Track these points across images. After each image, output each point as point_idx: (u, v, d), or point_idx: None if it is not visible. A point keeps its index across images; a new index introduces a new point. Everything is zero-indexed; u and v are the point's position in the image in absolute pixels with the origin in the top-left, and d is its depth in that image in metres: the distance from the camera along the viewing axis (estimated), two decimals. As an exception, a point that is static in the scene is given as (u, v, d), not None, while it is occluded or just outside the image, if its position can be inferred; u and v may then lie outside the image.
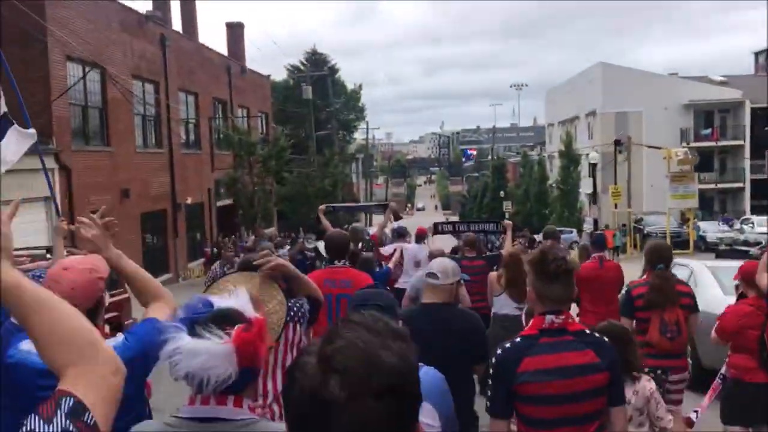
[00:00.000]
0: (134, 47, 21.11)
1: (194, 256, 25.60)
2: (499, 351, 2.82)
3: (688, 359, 5.79)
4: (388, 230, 9.25)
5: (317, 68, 50.86)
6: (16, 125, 4.90)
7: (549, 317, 2.77)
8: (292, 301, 3.30)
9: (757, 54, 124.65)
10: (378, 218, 36.77)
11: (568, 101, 53.99)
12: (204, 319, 1.72)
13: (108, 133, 19.27)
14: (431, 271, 3.83)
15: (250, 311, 1.79)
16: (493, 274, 6.92)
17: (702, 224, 30.60)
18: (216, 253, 23.04)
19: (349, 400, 1.05)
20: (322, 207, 9.86)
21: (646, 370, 4.03)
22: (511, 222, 8.63)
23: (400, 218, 10.15)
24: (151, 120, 22.83)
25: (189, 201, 24.51)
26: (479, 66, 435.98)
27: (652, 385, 3.77)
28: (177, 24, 27.75)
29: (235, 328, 1.70)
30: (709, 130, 45.00)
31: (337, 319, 3.29)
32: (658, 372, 4.54)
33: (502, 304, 6.55)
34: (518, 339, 2.84)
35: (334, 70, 53.37)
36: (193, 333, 1.69)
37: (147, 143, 22.43)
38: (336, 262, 5.19)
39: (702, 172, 46.08)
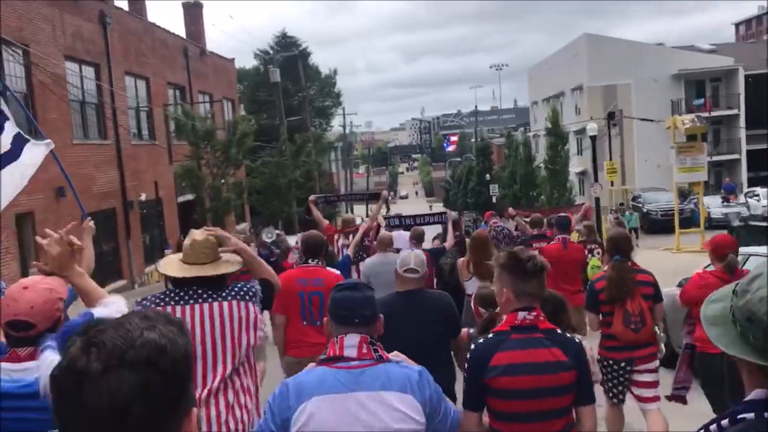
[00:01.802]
0: (66, 24, 18.42)
1: (152, 259, 22.98)
2: (472, 346, 2.98)
3: (661, 345, 5.58)
4: (381, 219, 9.21)
5: (286, 50, 48.14)
6: (32, 140, 4.84)
7: (522, 314, 2.92)
8: (242, 283, 3.38)
9: (737, 24, 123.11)
10: (359, 209, 34.23)
11: (552, 77, 51.72)
12: (75, 333, 1.65)
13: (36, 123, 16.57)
14: (411, 267, 4.20)
15: None
16: (461, 260, 7.40)
17: (705, 199, 28.39)
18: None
19: (102, 371, 1.08)
20: (313, 197, 9.92)
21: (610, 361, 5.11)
22: (454, 213, 9.11)
23: (389, 208, 10.61)
24: (92, 107, 20.15)
25: (143, 197, 21.90)
26: (457, 51, 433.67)
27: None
28: (122, 3, 24.98)
29: None
30: (701, 101, 42.91)
31: (310, 317, 5.13)
32: (621, 364, 5.03)
33: (473, 287, 6.65)
34: (491, 335, 2.98)
35: (305, 54, 50.59)
36: (63, 348, 1.64)
37: (88, 134, 19.75)
38: (310, 261, 5.43)
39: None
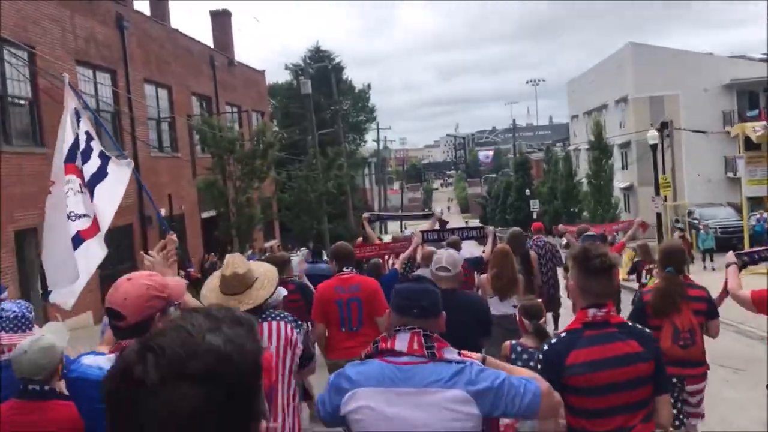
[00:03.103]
0: (78, 25, 17.21)
1: (173, 278, 21.63)
2: (545, 346, 3.01)
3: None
4: (418, 233, 8.82)
5: (322, 66, 47.00)
6: (113, 158, 4.93)
7: (592, 311, 2.92)
8: (291, 316, 3.92)
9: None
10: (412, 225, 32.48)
11: (594, 90, 49.62)
12: None
13: (41, 131, 15.33)
14: (442, 265, 4.44)
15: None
16: (483, 277, 7.17)
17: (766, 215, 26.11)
18: (207, 270, 19.61)
19: (161, 381, 0.97)
20: (366, 215, 10.23)
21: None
22: (492, 228, 8.94)
23: (446, 223, 10.30)
24: (108, 115, 18.89)
25: (163, 212, 20.52)
26: (493, 69, 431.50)
27: None
28: (144, 7, 23.83)
29: None
30: (755, 112, 40.32)
31: (348, 324, 5.52)
32: (673, 380, 4.60)
33: (497, 305, 6.58)
34: (563, 334, 2.98)
35: (339, 68, 49.37)
36: None
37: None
38: (344, 269, 5.62)
39: (750, 158, 41.82)
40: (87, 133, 4.92)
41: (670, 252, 5.10)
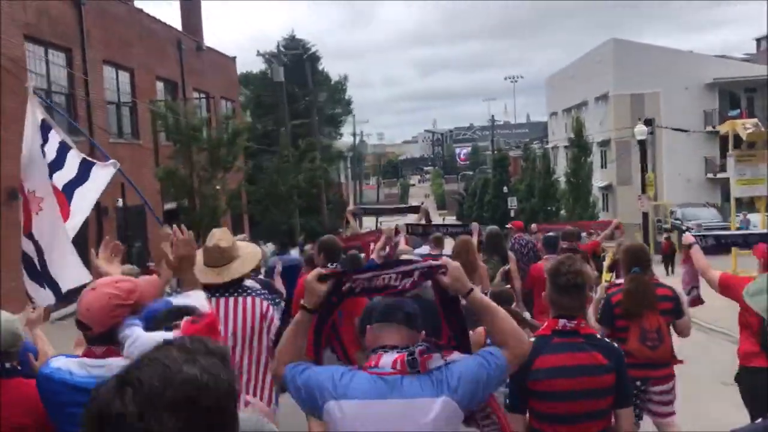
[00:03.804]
0: (26, -2, 15.86)
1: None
2: None
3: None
4: (402, 227, 8.86)
5: (295, 55, 45.64)
6: (97, 163, 4.91)
7: (562, 321, 3.05)
8: (272, 295, 4.16)
9: (759, 40, 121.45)
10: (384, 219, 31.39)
11: (574, 86, 48.96)
12: (160, 315, 2.08)
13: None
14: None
15: (204, 307, 2.19)
16: None
17: (752, 217, 25.53)
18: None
19: (141, 414, 1.00)
20: (352, 208, 10.42)
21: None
22: (477, 225, 8.92)
23: (430, 220, 10.17)
24: (61, 97, 17.54)
25: (120, 203, 19.20)
26: (472, 65, 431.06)
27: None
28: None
29: (184, 320, 2.00)
30: (737, 112, 39.92)
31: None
32: (637, 383, 4.56)
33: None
34: (533, 338, 2.97)
35: (314, 57, 48.06)
36: (149, 327, 2.01)
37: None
38: (329, 265, 5.57)
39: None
40: (61, 143, 4.84)
41: (635, 252, 5.04)
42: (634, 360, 4.64)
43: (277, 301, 4.13)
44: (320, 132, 46.41)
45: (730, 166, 16.96)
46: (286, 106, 31.95)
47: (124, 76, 21.09)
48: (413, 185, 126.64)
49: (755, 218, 25.06)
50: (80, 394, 2.30)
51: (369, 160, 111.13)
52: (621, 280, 5.20)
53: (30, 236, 4.62)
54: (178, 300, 2.19)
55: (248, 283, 4.24)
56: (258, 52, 36.30)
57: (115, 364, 2.36)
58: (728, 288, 4.74)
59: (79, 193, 4.78)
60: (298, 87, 44.55)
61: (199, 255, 3.78)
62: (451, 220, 59.69)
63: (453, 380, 2.38)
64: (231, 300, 3.86)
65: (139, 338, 1.90)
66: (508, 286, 6.32)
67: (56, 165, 4.79)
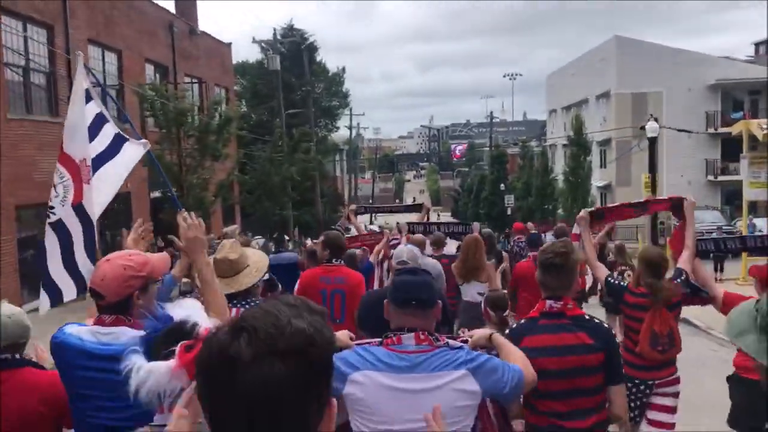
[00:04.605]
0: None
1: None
2: (507, 332, 3.30)
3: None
4: (405, 226, 8.63)
5: (293, 44, 44.73)
6: (130, 140, 4.89)
7: (549, 302, 3.23)
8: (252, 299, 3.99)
9: (757, 45, 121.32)
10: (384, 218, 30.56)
11: (575, 84, 48.13)
12: (159, 338, 1.95)
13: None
14: (402, 260, 4.54)
15: (202, 318, 2.02)
16: (454, 265, 7.38)
17: (758, 221, 24.80)
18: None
19: (254, 358, 1.08)
20: (353, 207, 10.31)
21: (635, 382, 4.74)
22: (478, 225, 9.21)
23: (429, 218, 10.26)
24: (42, 75, 16.64)
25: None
26: (470, 63, 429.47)
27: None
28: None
29: (179, 346, 1.86)
30: (740, 114, 39.18)
31: (331, 315, 5.29)
32: (641, 387, 4.74)
33: (466, 291, 6.98)
34: (522, 321, 3.35)
35: (312, 48, 47.15)
36: (147, 353, 1.91)
37: (31, 109, 16.24)
38: (334, 260, 5.62)
39: (731, 162, 40.65)
40: (99, 114, 4.77)
41: (654, 263, 4.87)
42: (642, 362, 4.76)
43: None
44: (316, 123, 45.57)
45: (743, 168, 16.21)
46: (281, 94, 31.04)
47: (111, 57, 20.20)
48: (408, 181, 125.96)
49: (761, 222, 24.37)
50: (90, 359, 2.51)
51: (365, 154, 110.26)
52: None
53: (79, 208, 4.43)
54: (176, 313, 2.13)
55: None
56: (254, 39, 35.21)
57: (122, 332, 2.55)
58: (732, 305, 4.20)
59: (105, 168, 4.68)
60: (294, 77, 43.69)
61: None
62: (446, 216, 58.97)
63: (474, 362, 2.53)
64: (241, 311, 3.69)
65: (141, 369, 1.92)
66: (504, 291, 6.35)
67: (92, 134, 4.73)
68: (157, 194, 20.47)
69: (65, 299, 4.37)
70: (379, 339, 2.66)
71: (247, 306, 3.89)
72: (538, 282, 3.31)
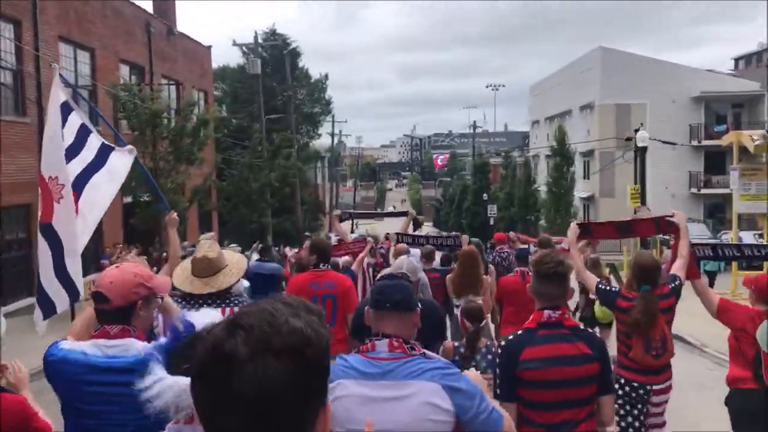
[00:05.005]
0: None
1: (85, 270, 18.56)
2: (503, 342, 3.30)
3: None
4: (393, 236, 8.83)
5: (275, 49, 44.08)
6: (116, 149, 4.90)
7: (547, 312, 3.20)
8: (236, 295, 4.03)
9: (737, 59, 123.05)
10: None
11: (559, 94, 48.03)
12: (179, 349, 2.01)
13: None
14: (402, 272, 4.11)
15: None
16: (449, 277, 7.41)
17: (744, 235, 24.47)
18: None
19: (250, 356, 1.07)
20: (338, 212, 10.14)
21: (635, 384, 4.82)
22: (467, 237, 8.85)
23: (420, 226, 10.17)
24: (7, 74, 15.86)
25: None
26: (454, 73, 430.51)
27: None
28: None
29: None
30: (723, 127, 39.14)
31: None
32: (640, 392, 4.77)
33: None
34: (520, 331, 3.27)
35: (295, 53, 46.53)
36: (168, 364, 1.95)
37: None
38: (321, 265, 5.61)
39: (715, 175, 40.63)
40: (82, 126, 4.76)
41: (647, 268, 4.87)
42: (637, 365, 4.78)
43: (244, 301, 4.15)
44: (297, 130, 44.90)
45: (734, 180, 15.81)
46: (261, 98, 30.34)
47: (84, 56, 19.43)
48: (390, 189, 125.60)
49: (747, 236, 24.06)
50: (98, 374, 2.50)
51: (347, 162, 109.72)
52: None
53: (48, 228, 4.34)
54: (198, 320, 2.14)
55: (235, 289, 4.29)
56: (234, 42, 34.43)
57: (130, 344, 2.53)
58: (726, 312, 4.84)
59: (93, 182, 4.63)
60: (276, 82, 43.02)
61: (188, 265, 4.10)
62: (428, 226, 58.43)
63: (449, 378, 2.43)
64: (219, 310, 3.89)
65: (162, 382, 1.87)
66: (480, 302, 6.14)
67: (74, 150, 4.67)
68: (128, 200, 19.67)
69: (59, 310, 4.43)
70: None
71: (236, 304, 3.95)
72: (535, 292, 3.27)
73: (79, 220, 4.49)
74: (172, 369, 1.90)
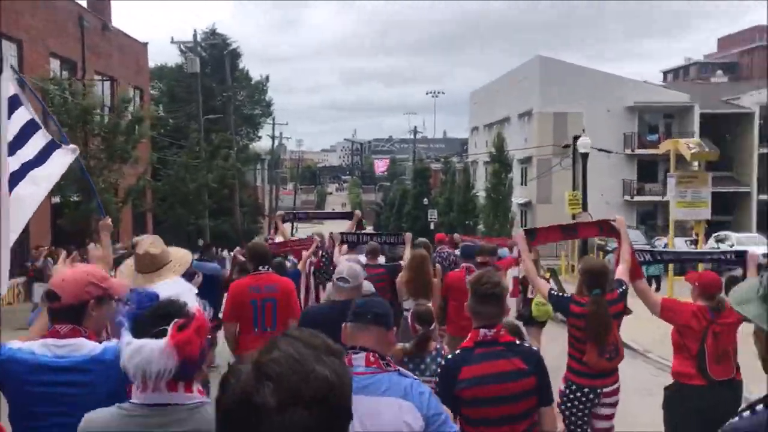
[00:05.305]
0: None
1: (11, 272, 17.64)
2: (442, 362, 3.40)
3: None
4: (337, 235, 8.55)
5: (215, 49, 43.25)
6: (62, 147, 4.82)
7: (483, 331, 3.27)
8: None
9: (665, 73, 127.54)
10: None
11: (498, 101, 48.67)
12: (146, 316, 1.92)
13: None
14: (342, 276, 4.48)
15: (191, 301, 2.02)
16: (400, 279, 7.25)
17: (677, 241, 25.21)
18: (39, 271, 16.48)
19: (279, 407, 1.09)
20: (280, 213, 10.13)
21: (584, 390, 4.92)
22: (410, 234, 8.75)
23: (363, 228, 10.17)
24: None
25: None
26: (395, 79, 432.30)
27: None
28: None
29: (172, 325, 1.87)
30: (655, 136, 40.43)
31: (262, 324, 5.38)
32: (590, 396, 4.88)
33: (411, 305, 6.75)
34: (458, 351, 3.34)
35: (235, 54, 45.75)
36: (134, 329, 1.89)
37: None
38: (260, 268, 5.51)
39: (647, 183, 41.87)
40: (30, 121, 4.62)
41: (596, 273, 4.98)
42: (589, 370, 4.86)
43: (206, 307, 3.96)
44: (237, 131, 44.12)
45: (671, 188, 16.18)
46: (200, 97, 29.64)
47: (10, 48, 18.50)
48: (330, 193, 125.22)
49: (679, 242, 24.81)
50: (45, 373, 2.45)
51: (287, 165, 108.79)
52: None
53: None
54: (163, 291, 2.02)
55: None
56: (173, 39, 33.55)
57: (80, 344, 2.52)
58: (671, 310, 5.01)
59: (31, 176, 4.56)
60: (216, 83, 42.21)
61: (131, 262, 4.11)
62: (368, 230, 58.26)
63: (422, 396, 2.52)
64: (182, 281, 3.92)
65: (130, 345, 1.85)
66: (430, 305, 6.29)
67: (17, 144, 4.58)
68: (57, 200, 18.82)
69: None
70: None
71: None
72: (472, 312, 3.31)
73: (11, 215, 4.35)
74: (137, 335, 1.89)
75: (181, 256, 4.16)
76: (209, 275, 7.08)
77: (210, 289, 6.35)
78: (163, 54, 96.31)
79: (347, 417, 1.18)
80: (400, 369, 2.66)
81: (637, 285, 5.17)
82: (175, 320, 1.86)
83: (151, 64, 33.82)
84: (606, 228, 5.46)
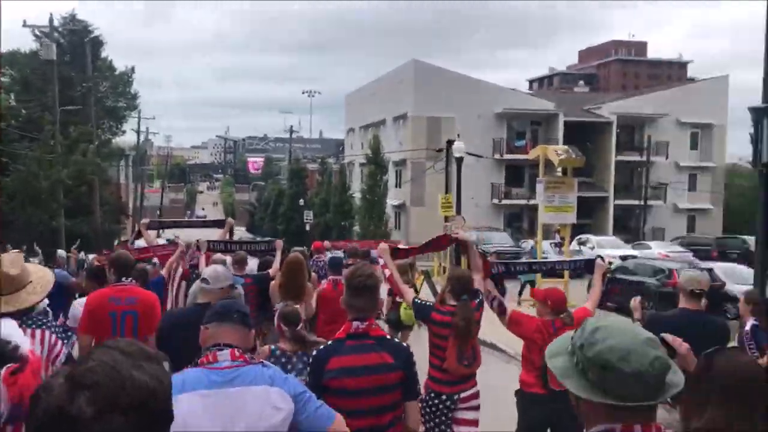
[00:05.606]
0: None
1: None
2: (314, 352, 3.44)
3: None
4: (203, 243, 8.27)
5: (74, 36, 40.39)
6: None
7: (355, 323, 3.34)
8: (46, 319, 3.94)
9: (531, 81, 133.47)
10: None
11: (374, 104, 48.84)
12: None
13: None
14: (204, 277, 4.66)
15: (22, 340, 2.11)
16: (274, 283, 7.32)
17: (545, 244, 26.17)
18: None
19: (95, 416, 1.06)
20: (146, 221, 9.68)
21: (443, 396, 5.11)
22: (281, 241, 8.77)
23: (232, 235, 9.85)
24: None
25: None
26: (270, 77, 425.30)
27: None
28: None
29: (3, 370, 1.90)
30: (522, 142, 42.10)
31: (121, 336, 5.17)
32: (447, 403, 5.07)
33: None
34: (330, 342, 3.45)
35: (97, 42, 42.92)
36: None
37: None
38: (123, 279, 5.38)
39: (514, 187, 43.48)
40: None
41: (464, 281, 5.24)
42: (450, 377, 5.05)
43: (67, 334, 3.99)
44: (98, 124, 41.46)
45: (539, 192, 16.62)
46: (56, 86, 27.34)
47: None
48: (201, 192, 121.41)
49: (544, 245, 25.75)
50: None
51: (154, 162, 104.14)
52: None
53: None
54: None
55: (39, 308, 4.10)
56: (25, 22, 30.76)
57: None
58: (518, 324, 5.27)
59: None
60: (75, 72, 39.40)
61: None
62: (241, 230, 56.84)
63: (287, 383, 2.66)
64: (47, 333, 3.74)
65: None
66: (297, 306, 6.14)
67: None
68: None
69: None
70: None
71: (39, 325, 3.64)
72: (346, 304, 3.39)
73: None
74: None
75: (41, 275, 3.83)
76: (57, 282, 6.47)
77: (62, 297, 6.22)
78: (15, 38, 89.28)
79: (167, 420, 1.17)
80: (264, 361, 2.78)
81: (489, 296, 5.49)
82: (8, 365, 1.81)
83: (3, 49, 31.05)
84: (455, 240, 6.04)
